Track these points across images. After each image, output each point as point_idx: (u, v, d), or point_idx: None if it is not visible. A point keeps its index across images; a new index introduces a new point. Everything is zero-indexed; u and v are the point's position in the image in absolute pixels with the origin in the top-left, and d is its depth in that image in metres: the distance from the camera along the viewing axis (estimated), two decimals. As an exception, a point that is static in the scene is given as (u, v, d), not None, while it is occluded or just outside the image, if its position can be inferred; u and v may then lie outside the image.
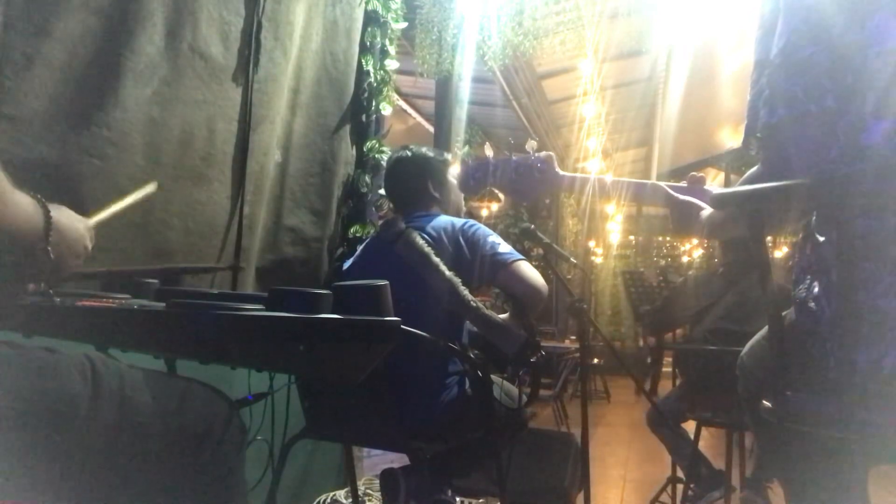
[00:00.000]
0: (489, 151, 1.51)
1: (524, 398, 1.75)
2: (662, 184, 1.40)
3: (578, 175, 1.49)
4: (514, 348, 1.63)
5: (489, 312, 1.66)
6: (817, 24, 0.97)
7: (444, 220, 1.82)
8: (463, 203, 2.02)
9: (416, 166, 1.92)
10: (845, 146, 0.94)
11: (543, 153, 1.45)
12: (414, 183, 1.91)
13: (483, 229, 1.79)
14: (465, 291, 1.64)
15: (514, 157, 1.46)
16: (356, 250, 2.50)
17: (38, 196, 0.83)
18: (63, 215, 0.88)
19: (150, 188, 1.30)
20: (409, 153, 1.93)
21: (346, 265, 1.98)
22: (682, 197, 1.34)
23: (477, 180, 1.50)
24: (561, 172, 1.45)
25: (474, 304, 1.64)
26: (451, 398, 1.69)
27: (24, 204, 0.80)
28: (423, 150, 1.97)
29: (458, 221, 1.81)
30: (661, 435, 3.04)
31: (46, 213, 0.83)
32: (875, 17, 0.93)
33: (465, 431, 1.69)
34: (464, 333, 1.79)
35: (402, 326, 0.89)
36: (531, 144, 1.48)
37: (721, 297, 2.80)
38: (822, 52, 0.96)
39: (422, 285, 1.65)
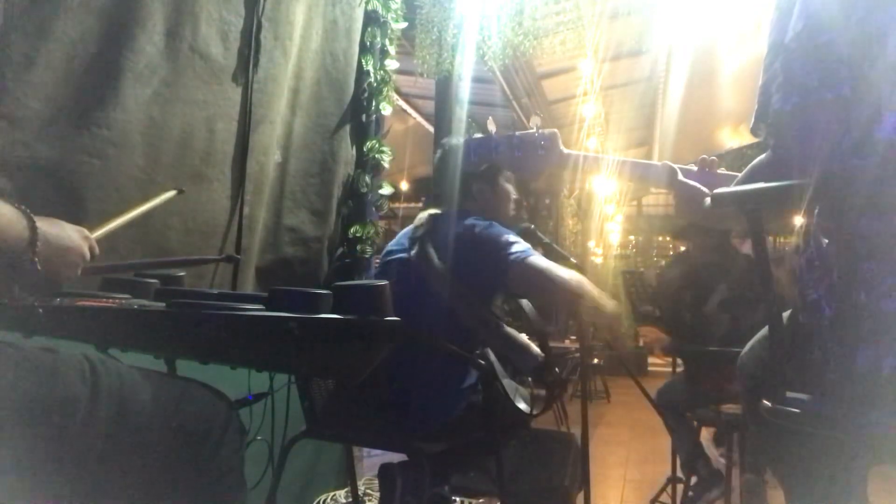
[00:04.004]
0: (492, 127, 1.47)
1: (537, 408, 1.71)
2: (674, 165, 1.38)
3: (584, 153, 1.46)
4: (530, 369, 1.59)
5: (509, 330, 1.60)
6: (836, 10, 0.95)
7: (468, 223, 1.68)
8: (512, 209, 1.81)
9: (460, 162, 1.71)
10: (857, 137, 0.92)
11: (548, 130, 1.42)
12: (458, 179, 1.73)
13: (494, 230, 1.66)
14: (485, 310, 1.57)
15: (517, 133, 1.43)
16: (356, 250, 2.49)
17: (24, 208, 0.81)
18: (55, 227, 0.87)
19: (168, 194, 1.31)
20: (456, 143, 1.73)
21: (390, 246, 1.83)
22: (687, 181, 1.32)
23: (480, 156, 1.48)
24: (566, 150, 1.42)
25: (495, 322, 1.57)
26: (452, 399, 1.69)
27: (6, 216, 0.79)
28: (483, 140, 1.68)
29: (477, 225, 1.66)
30: (665, 418, 3.03)
31: (32, 224, 0.81)
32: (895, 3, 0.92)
33: (467, 432, 1.68)
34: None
35: (405, 328, 0.89)
36: (535, 121, 1.45)
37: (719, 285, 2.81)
38: (839, 39, 0.94)
39: (435, 294, 1.60)
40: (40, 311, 0.90)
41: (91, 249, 0.95)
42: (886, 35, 0.92)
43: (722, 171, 1.39)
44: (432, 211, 1.76)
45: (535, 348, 1.63)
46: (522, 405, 1.73)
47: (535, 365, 1.59)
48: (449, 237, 1.67)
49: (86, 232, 0.95)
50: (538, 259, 1.60)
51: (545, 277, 1.57)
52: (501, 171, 1.77)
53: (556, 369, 1.62)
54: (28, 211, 0.82)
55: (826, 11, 0.96)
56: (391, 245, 1.85)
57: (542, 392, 1.73)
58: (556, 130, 1.43)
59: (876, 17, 0.93)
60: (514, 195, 1.81)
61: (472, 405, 1.68)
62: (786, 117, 0.99)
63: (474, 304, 1.60)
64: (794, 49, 0.98)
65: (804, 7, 0.98)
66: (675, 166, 1.36)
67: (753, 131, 1.07)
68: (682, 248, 3.37)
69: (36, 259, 0.82)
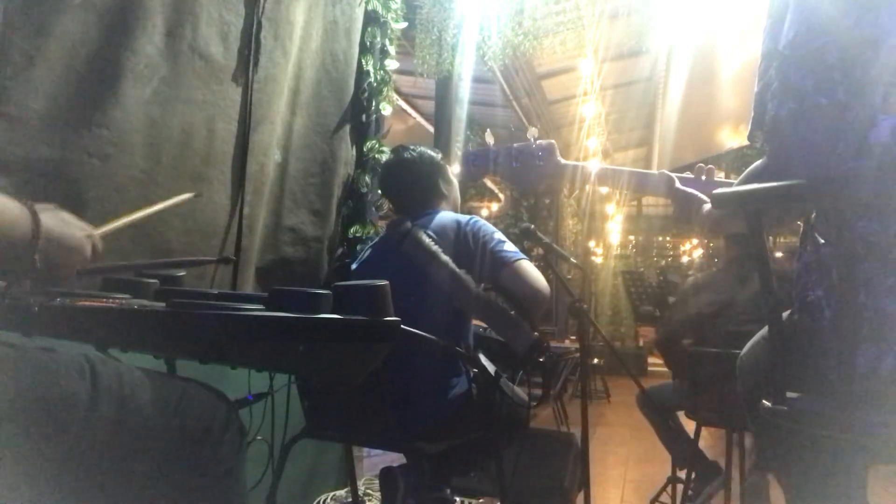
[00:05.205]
0: (490, 139, 1.50)
1: (534, 400, 1.76)
2: (671, 174, 1.39)
3: (581, 164, 1.48)
4: (525, 346, 1.62)
5: (505, 308, 1.65)
6: (828, 15, 0.95)
7: (449, 216, 1.81)
8: (458, 196, 2.03)
9: (424, 166, 1.90)
10: (853, 141, 0.93)
11: (545, 141, 1.45)
12: (423, 183, 1.89)
13: (487, 226, 1.78)
14: (476, 287, 1.63)
15: (515, 145, 1.45)
16: (356, 250, 2.50)
17: (29, 203, 0.82)
18: (59, 222, 0.87)
19: (184, 196, 1.31)
20: (413, 153, 1.92)
21: (354, 265, 1.97)
22: (684, 189, 1.33)
23: (478, 167, 1.50)
24: (563, 161, 1.44)
25: (486, 299, 1.63)
26: (453, 399, 1.69)
27: (10, 212, 0.79)
28: (424, 148, 1.96)
29: (464, 218, 1.79)
30: (650, 419, 3.03)
31: (35, 222, 0.82)
32: (888, 8, 0.92)
33: (467, 432, 1.69)
34: (469, 335, 1.79)
35: (405, 327, 0.89)
36: (532, 132, 1.47)
37: (734, 298, 2.74)
38: (832, 44, 0.94)
39: (430, 284, 1.64)
40: (36, 308, 0.91)
41: (94, 248, 0.95)
42: (879, 39, 0.92)
43: (720, 177, 1.40)
44: (401, 217, 1.87)
45: (528, 326, 1.65)
46: (520, 398, 1.75)
47: (529, 342, 1.60)
48: (439, 227, 1.75)
49: (90, 230, 0.95)
50: (530, 264, 1.71)
51: (535, 282, 1.68)
52: (449, 166, 1.98)
53: (549, 347, 1.64)
54: (33, 208, 0.82)
55: (818, 17, 0.96)
56: (357, 261, 1.97)
57: (538, 385, 1.75)
58: (553, 141, 1.45)
59: (868, 21, 0.93)
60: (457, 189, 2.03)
61: (470, 404, 1.68)
62: (781, 123, 0.99)
63: (469, 283, 1.64)
64: (787, 55, 0.99)
65: (796, 14, 0.99)
66: (673, 175, 1.38)
67: (750, 138, 1.07)
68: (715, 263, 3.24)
69: (36, 256, 0.82)
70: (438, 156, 1.96)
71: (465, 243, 1.72)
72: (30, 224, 0.81)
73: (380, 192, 2.66)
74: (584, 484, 2.11)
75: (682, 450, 2.81)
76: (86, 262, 0.93)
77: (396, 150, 1.98)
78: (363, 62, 2.62)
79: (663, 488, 2.94)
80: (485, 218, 1.83)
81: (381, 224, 2.63)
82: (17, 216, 0.80)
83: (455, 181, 1.98)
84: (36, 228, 0.82)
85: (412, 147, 1.95)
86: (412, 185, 1.91)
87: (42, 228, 0.82)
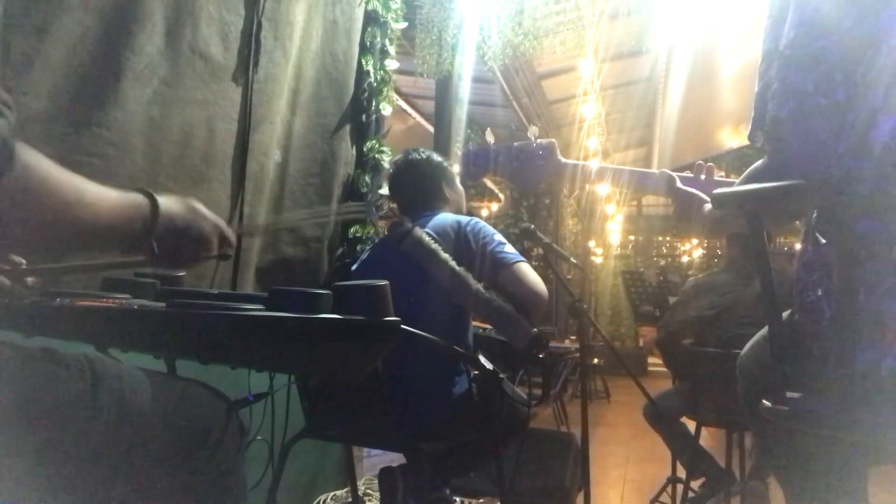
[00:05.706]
0: (490, 138, 1.51)
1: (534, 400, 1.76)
2: (672, 173, 1.39)
3: (581, 162, 1.48)
4: (525, 342, 1.63)
5: (504, 304, 1.66)
6: (828, 16, 0.96)
7: (449, 217, 1.84)
8: (464, 202, 2.07)
9: (430, 168, 1.96)
10: (854, 141, 0.93)
11: (545, 140, 1.45)
12: (426, 184, 1.94)
13: (488, 228, 1.81)
14: (475, 284, 1.64)
15: (515, 144, 1.46)
16: (356, 250, 2.51)
17: (150, 193, 0.87)
18: (188, 213, 0.92)
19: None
20: (421, 156, 1.97)
21: (354, 266, 1.99)
22: (685, 188, 1.33)
23: (478, 166, 1.51)
24: (563, 160, 1.45)
25: (486, 296, 1.64)
26: (453, 399, 1.69)
27: (126, 200, 0.84)
28: (433, 153, 2.01)
29: (464, 219, 1.83)
30: (658, 429, 3.03)
31: (154, 209, 0.87)
32: (889, 8, 0.92)
33: (467, 432, 1.69)
34: (470, 335, 1.79)
35: (405, 327, 0.89)
36: (533, 131, 1.48)
37: (735, 299, 2.71)
38: (833, 45, 0.95)
39: (430, 283, 1.65)
40: (57, 300, 0.92)
41: (226, 240, 0.99)
42: (879, 40, 0.92)
43: (720, 176, 1.40)
44: (400, 218, 1.90)
45: (527, 323, 1.66)
46: (521, 398, 1.75)
47: (529, 338, 1.61)
48: (439, 227, 1.78)
49: (220, 224, 0.99)
50: (529, 267, 1.73)
51: (533, 284, 1.70)
52: (455, 172, 2.05)
53: (548, 343, 1.66)
54: (154, 198, 0.87)
55: (818, 18, 0.97)
56: (358, 262, 2.01)
57: (538, 385, 1.75)
58: (553, 140, 1.46)
59: (868, 22, 0.93)
60: (462, 192, 2.09)
61: (471, 404, 1.68)
62: (782, 123, 0.99)
63: (469, 280, 1.65)
64: (788, 55, 0.99)
65: (797, 14, 0.99)
66: (674, 174, 1.37)
67: (751, 139, 1.08)
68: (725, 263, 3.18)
69: (154, 243, 0.87)
70: (445, 159, 2.00)
71: (465, 244, 1.74)
72: (149, 213, 0.86)
73: (385, 191, 2.67)
74: (584, 484, 2.11)
75: (695, 459, 2.79)
76: (208, 251, 0.97)
77: (406, 152, 2.02)
78: (363, 62, 2.62)
79: (663, 488, 2.94)
80: (485, 218, 1.85)
81: (382, 224, 2.63)
82: (136, 205, 0.85)
83: (461, 188, 2.02)
84: (153, 217, 0.86)
85: (422, 150, 2.00)
86: (415, 185, 1.95)
87: (162, 217, 0.87)
